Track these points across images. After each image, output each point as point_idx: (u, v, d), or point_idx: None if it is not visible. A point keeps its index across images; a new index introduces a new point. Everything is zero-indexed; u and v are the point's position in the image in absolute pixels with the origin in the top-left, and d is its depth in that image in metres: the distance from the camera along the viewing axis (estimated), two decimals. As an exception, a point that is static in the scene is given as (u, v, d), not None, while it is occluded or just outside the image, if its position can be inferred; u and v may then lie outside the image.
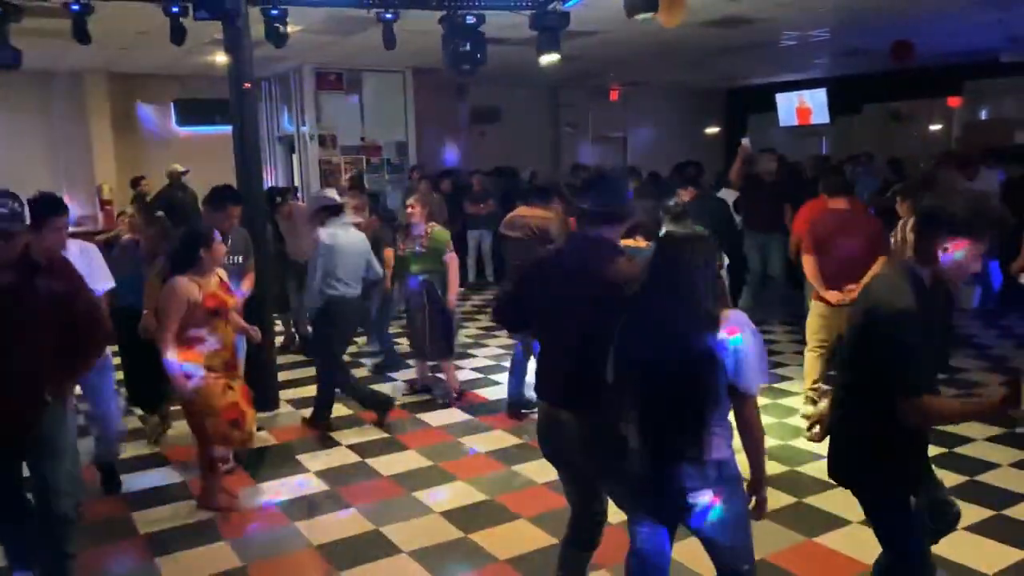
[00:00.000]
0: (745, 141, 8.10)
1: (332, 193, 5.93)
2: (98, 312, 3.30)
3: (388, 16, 7.05)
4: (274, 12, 6.62)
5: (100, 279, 4.14)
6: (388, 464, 4.84)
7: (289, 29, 7.23)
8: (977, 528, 3.80)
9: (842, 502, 4.10)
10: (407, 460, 4.87)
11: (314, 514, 4.16)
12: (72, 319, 3.04)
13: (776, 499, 4.15)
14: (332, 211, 5.47)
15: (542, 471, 4.63)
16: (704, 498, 2.33)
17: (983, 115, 15.68)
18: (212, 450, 4.21)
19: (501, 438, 5.27)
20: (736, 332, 2.28)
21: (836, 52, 11.66)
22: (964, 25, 9.27)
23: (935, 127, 15.74)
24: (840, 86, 13.97)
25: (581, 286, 2.64)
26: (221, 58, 6.17)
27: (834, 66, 13.19)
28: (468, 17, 7.02)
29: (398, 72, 12.04)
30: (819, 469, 4.48)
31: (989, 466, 4.55)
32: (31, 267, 2.93)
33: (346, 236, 5.42)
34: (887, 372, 2.29)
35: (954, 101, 13.96)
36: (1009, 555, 3.56)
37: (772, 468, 4.42)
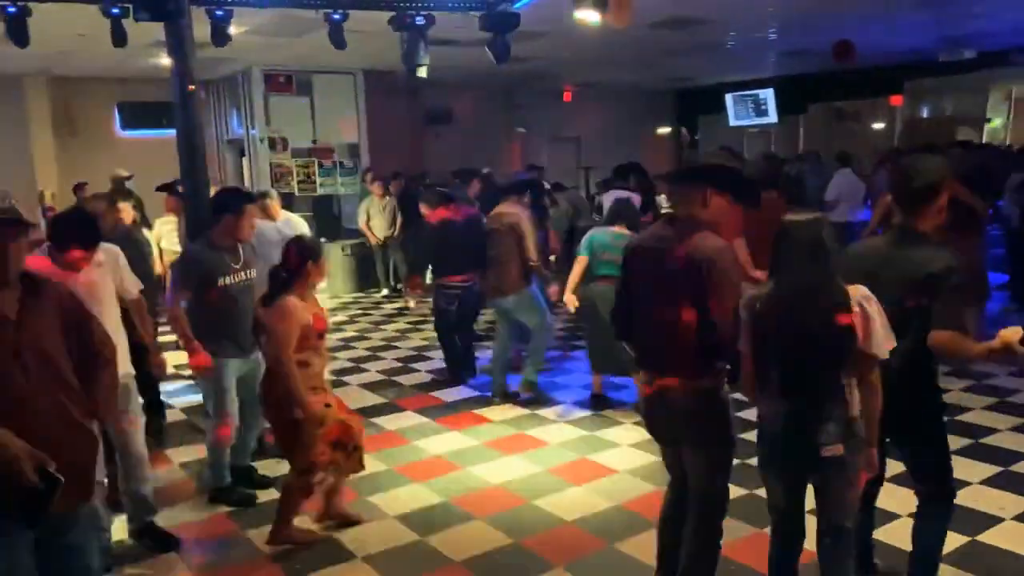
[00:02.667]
0: (683, 131, 8.35)
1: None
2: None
3: (336, 17, 7.00)
4: (219, 13, 6.53)
5: (132, 281, 3.88)
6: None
7: (235, 30, 7.14)
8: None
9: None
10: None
11: (265, 522, 4.10)
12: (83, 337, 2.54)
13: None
14: None
15: (498, 472, 4.65)
16: (835, 452, 2.59)
17: (924, 113, 16.17)
18: (311, 478, 3.79)
19: (457, 439, 5.26)
20: (866, 303, 2.55)
21: (782, 53, 11.91)
22: (902, 26, 9.54)
23: (878, 125, 16.19)
24: (786, 86, 14.27)
25: (664, 267, 2.84)
26: (165, 60, 6.05)
27: (780, 66, 13.46)
28: (417, 18, 7.01)
29: (349, 74, 11.95)
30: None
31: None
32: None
33: None
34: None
35: (896, 100, 14.39)
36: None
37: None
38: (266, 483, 4.55)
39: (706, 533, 2.96)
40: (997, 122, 15.54)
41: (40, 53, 8.38)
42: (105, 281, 3.66)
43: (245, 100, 11.73)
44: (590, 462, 4.82)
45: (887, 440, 2.95)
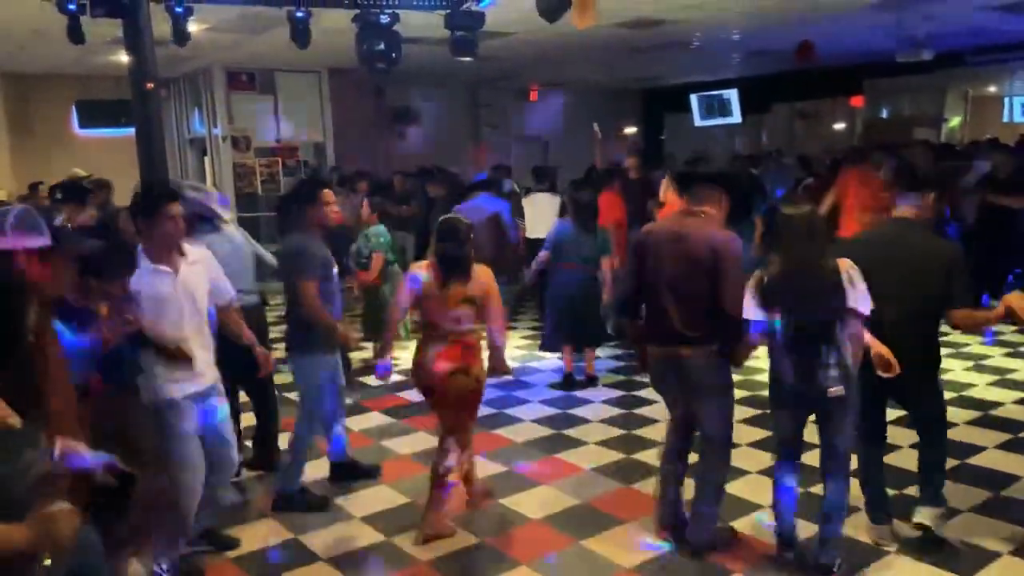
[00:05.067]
0: (595, 127, 8.45)
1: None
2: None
3: (300, 14, 6.91)
4: (178, 10, 6.41)
5: (227, 282, 3.69)
6: (307, 470, 4.72)
7: (196, 27, 7.03)
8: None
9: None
10: (325, 466, 4.76)
11: (229, 525, 4.04)
12: None
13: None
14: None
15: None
16: (839, 392, 3.17)
17: (883, 113, 16.45)
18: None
19: (424, 439, 5.23)
20: (852, 271, 3.16)
21: (745, 53, 12.05)
22: (861, 27, 9.71)
23: (839, 125, 16.43)
24: (750, 86, 14.44)
25: (688, 251, 3.44)
26: (125, 57, 5.93)
27: (744, 67, 13.62)
28: (382, 16, 6.95)
29: (314, 72, 11.84)
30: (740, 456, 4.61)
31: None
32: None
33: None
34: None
35: (856, 100, 14.63)
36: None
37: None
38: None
39: (723, 459, 3.66)
40: (955, 122, 15.86)
41: (-7, 49, 8.19)
42: (201, 281, 3.49)
43: (207, 98, 11.56)
44: (557, 460, 4.83)
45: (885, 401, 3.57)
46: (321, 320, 3.99)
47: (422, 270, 3.78)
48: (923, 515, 3.56)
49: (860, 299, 3.14)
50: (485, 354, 3.90)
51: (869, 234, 3.56)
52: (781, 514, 3.51)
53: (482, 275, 3.77)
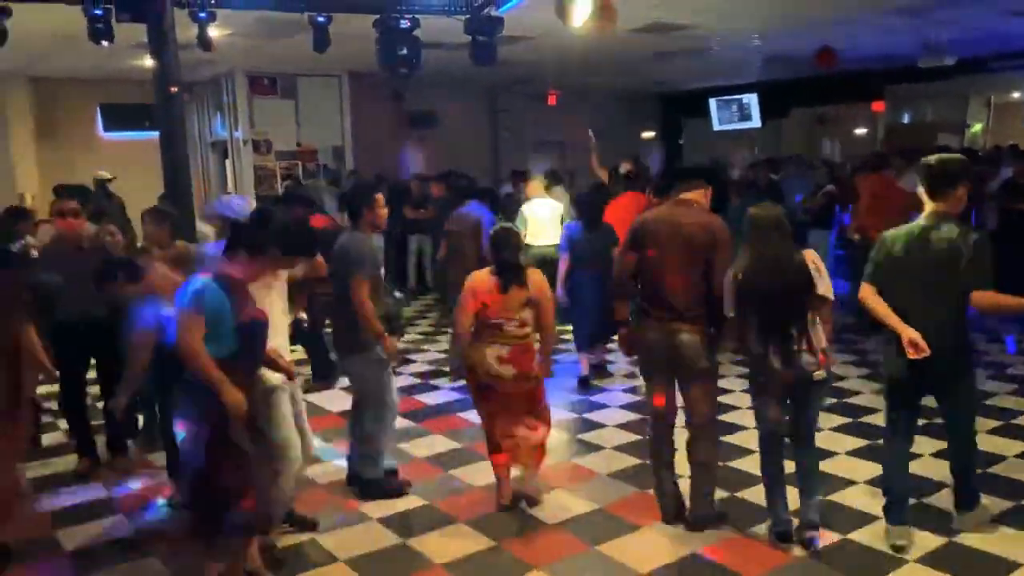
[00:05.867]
0: (589, 132, 8.59)
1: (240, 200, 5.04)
2: None
3: (320, 19, 6.99)
4: (202, 15, 6.49)
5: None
6: (323, 472, 4.77)
7: (218, 33, 7.11)
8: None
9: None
10: (343, 468, 4.79)
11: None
12: None
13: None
14: None
15: (480, 475, 4.65)
16: (821, 376, 3.50)
17: (905, 119, 16.31)
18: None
19: (441, 442, 5.26)
20: (814, 262, 3.49)
21: (765, 58, 11.99)
22: (883, 32, 9.64)
23: (860, 131, 16.30)
24: (769, 91, 14.36)
25: (688, 235, 3.74)
26: (149, 62, 6.01)
27: (763, 71, 13.55)
28: (402, 21, 7.01)
29: (334, 76, 11.92)
30: (752, 463, 4.60)
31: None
32: None
33: None
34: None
35: (878, 106, 14.49)
36: None
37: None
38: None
39: (713, 440, 3.95)
40: (977, 128, 15.71)
41: (20, 53, 8.32)
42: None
43: (229, 102, 11.68)
44: (573, 465, 4.83)
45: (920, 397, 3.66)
46: (368, 322, 4.13)
47: (484, 278, 4.01)
48: (962, 522, 3.70)
49: (824, 284, 3.47)
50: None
51: (906, 228, 3.66)
52: (771, 492, 3.75)
53: (536, 278, 4.01)
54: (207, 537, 3.17)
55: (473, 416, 5.70)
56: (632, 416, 5.66)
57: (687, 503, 3.98)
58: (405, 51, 7.14)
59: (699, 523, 3.88)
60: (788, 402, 3.65)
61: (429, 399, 6.22)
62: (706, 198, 3.91)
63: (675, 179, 4.19)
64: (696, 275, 3.71)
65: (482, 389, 4.10)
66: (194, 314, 3.01)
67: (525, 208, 7.51)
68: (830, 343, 3.55)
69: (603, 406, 5.89)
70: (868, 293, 3.64)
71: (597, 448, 5.07)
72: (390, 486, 4.45)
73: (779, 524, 3.69)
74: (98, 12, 6.29)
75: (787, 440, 3.72)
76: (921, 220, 3.61)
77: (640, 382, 6.41)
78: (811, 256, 3.52)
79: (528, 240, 7.38)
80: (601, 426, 5.47)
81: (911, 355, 3.37)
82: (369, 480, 4.42)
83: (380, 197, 4.37)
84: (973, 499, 3.75)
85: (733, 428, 5.18)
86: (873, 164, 8.01)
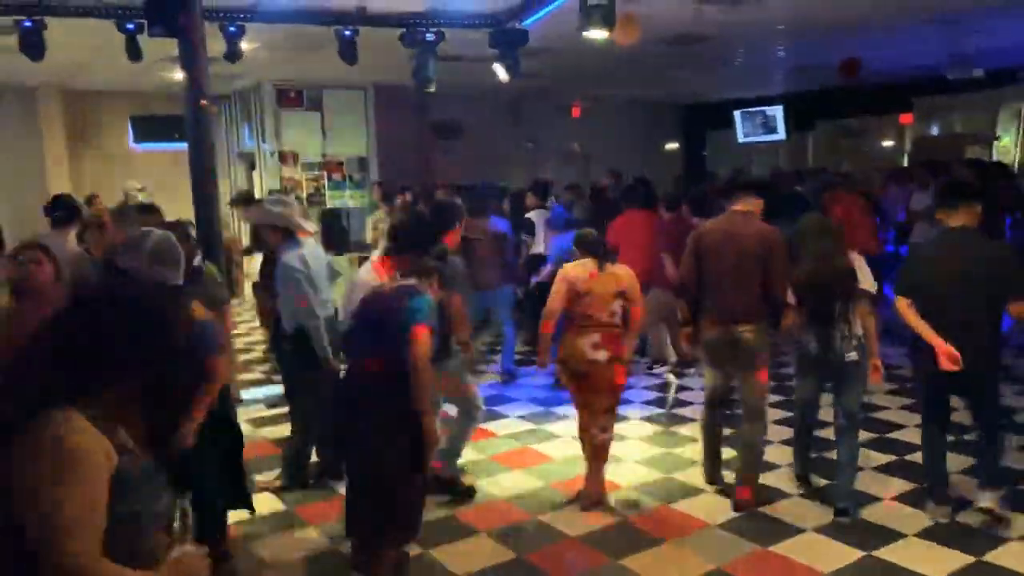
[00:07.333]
0: (575, 145, 8.74)
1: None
2: None
3: (347, 33, 7.07)
4: (231, 29, 6.60)
5: None
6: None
7: (247, 46, 7.22)
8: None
9: (796, 511, 4.18)
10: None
11: (265, 534, 4.10)
12: None
13: (726, 510, 4.22)
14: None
15: (502, 485, 4.65)
16: (854, 357, 3.99)
17: (934, 131, 16.12)
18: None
19: (463, 453, 5.25)
20: (858, 260, 4.07)
21: (790, 69, 11.93)
22: (911, 44, 9.55)
23: (887, 143, 16.13)
24: (795, 103, 14.27)
25: (744, 245, 4.14)
26: (179, 74, 6.11)
27: (789, 83, 13.48)
28: (427, 34, 7.07)
29: (359, 88, 12.04)
30: (776, 478, 4.55)
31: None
32: None
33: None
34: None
35: (906, 118, 14.34)
36: None
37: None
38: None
39: (762, 423, 4.31)
40: (1007, 140, 15.46)
41: (54, 66, 8.50)
42: None
43: (256, 114, 11.84)
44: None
45: (948, 396, 4.03)
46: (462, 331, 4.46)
47: (576, 266, 4.28)
48: (986, 499, 3.93)
49: (867, 280, 3.98)
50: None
51: (937, 240, 4.05)
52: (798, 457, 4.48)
53: (627, 273, 4.28)
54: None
55: (495, 427, 5.73)
56: (654, 429, 5.64)
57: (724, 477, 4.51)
58: (431, 64, 7.25)
59: (742, 506, 4.19)
60: (828, 385, 4.19)
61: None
62: (758, 209, 4.26)
63: (730, 193, 4.50)
64: (752, 280, 4.09)
65: (576, 378, 4.28)
66: (430, 331, 3.30)
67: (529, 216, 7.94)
68: (878, 335, 4.08)
69: (624, 419, 5.85)
70: (903, 306, 3.92)
71: (619, 461, 5.02)
72: (457, 488, 4.56)
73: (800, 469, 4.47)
74: (131, 27, 6.43)
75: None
76: (946, 232, 3.91)
77: (667, 394, 6.45)
78: (853, 253, 4.07)
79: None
80: (623, 439, 5.42)
81: (945, 367, 3.66)
82: (451, 478, 4.55)
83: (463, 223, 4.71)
84: (998, 478, 4.01)
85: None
86: (844, 184, 8.32)
